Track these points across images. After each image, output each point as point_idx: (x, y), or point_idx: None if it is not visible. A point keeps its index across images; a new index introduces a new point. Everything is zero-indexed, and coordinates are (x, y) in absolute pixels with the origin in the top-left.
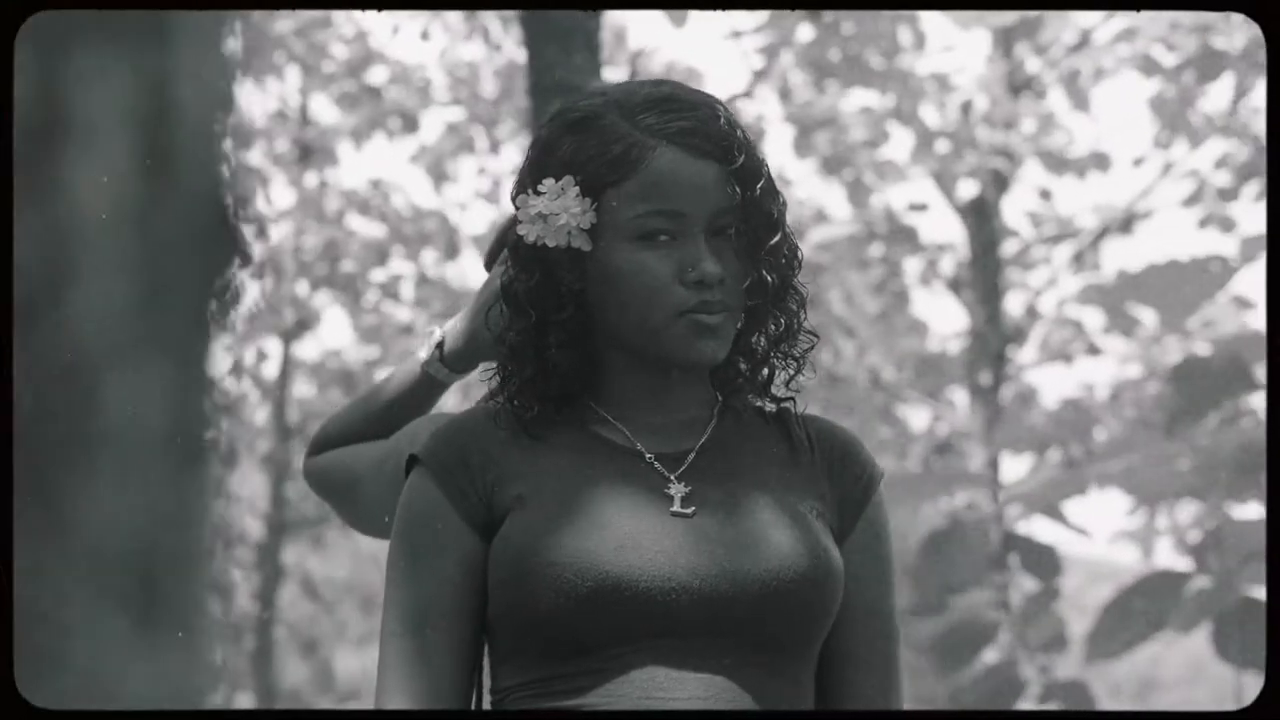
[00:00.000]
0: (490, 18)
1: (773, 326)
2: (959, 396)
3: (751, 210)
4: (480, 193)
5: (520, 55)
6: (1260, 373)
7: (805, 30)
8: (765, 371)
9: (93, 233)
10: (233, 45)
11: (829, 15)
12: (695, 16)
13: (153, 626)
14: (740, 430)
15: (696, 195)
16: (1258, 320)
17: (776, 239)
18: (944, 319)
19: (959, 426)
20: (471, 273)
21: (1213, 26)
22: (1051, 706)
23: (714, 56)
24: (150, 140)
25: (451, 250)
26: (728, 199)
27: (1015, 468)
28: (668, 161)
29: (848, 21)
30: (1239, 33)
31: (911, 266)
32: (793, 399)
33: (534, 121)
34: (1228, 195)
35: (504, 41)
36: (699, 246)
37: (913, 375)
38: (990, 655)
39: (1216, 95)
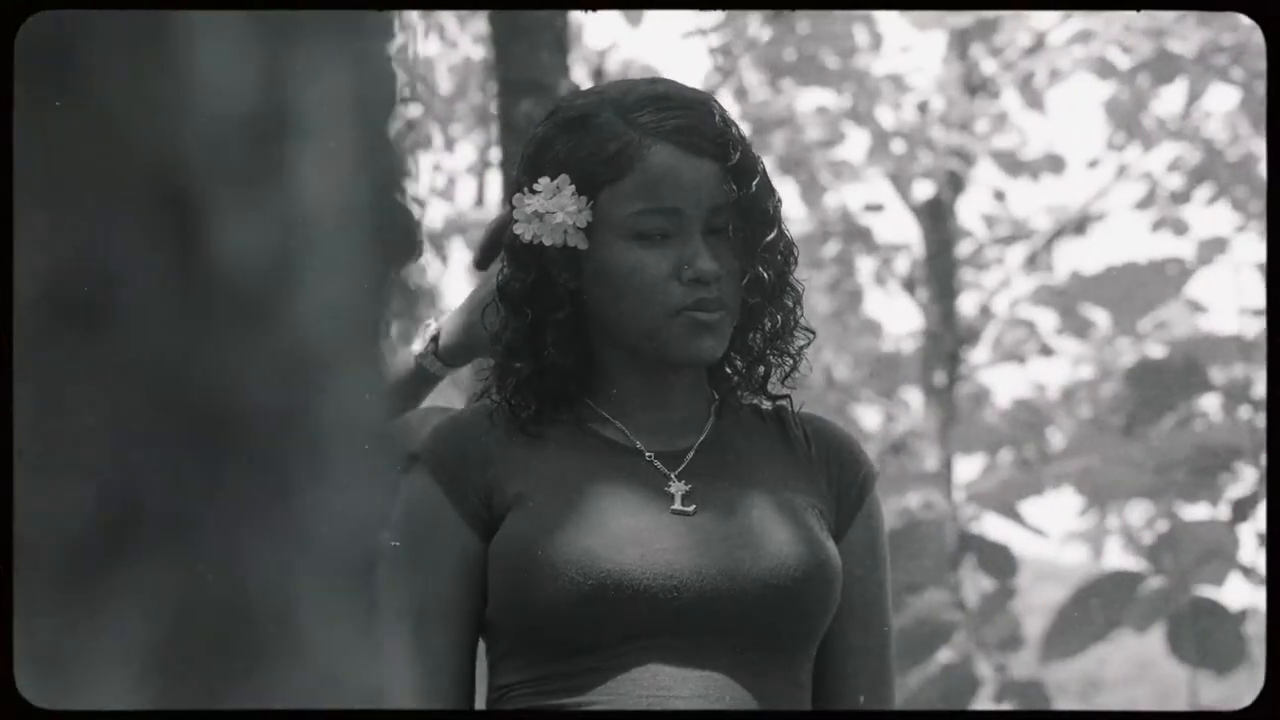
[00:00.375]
0: (447, 15)
1: (769, 323)
2: (913, 396)
3: (748, 207)
4: (436, 189)
5: (475, 52)
6: (1215, 374)
7: (761, 29)
8: (761, 369)
9: (317, 229)
10: (401, 40)
11: (785, 14)
12: (651, 15)
13: (375, 623)
14: (738, 428)
15: (693, 193)
16: (1210, 323)
17: (773, 235)
18: (898, 319)
19: (913, 426)
20: (428, 269)
21: (1168, 30)
22: (1007, 706)
23: (671, 55)
24: (367, 136)
25: None
26: (724, 196)
27: (968, 467)
28: (664, 159)
29: (803, 21)
30: (1194, 36)
31: (865, 266)
32: (789, 397)
33: (502, 119)
34: (1179, 198)
35: (460, 39)
36: (695, 244)
37: (867, 375)
38: (944, 654)
39: (1169, 98)
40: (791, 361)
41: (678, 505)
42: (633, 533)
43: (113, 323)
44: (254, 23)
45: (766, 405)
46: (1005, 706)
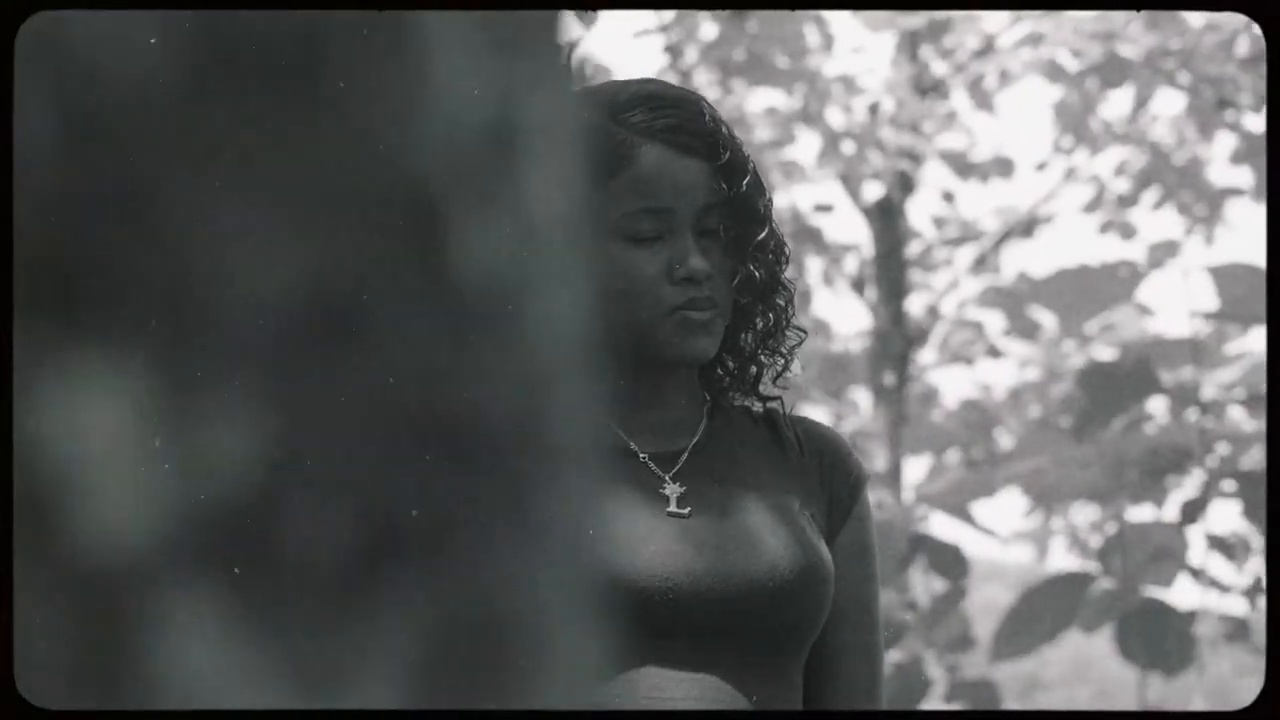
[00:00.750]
0: None
1: (760, 323)
2: (862, 397)
3: (739, 206)
4: None
5: None
6: (1166, 377)
7: (711, 29)
8: (753, 369)
9: (546, 242)
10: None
11: (737, 14)
12: (604, 15)
13: (609, 635)
14: (730, 429)
15: (684, 193)
16: (1158, 325)
17: (764, 234)
18: (847, 319)
19: (862, 426)
20: None
21: (1118, 33)
22: (958, 706)
23: (624, 54)
24: (581, 145)
25: None
26: (715, 195)
27: (917, 468)
28: (654, 159)
29: (753, 21)
30: (1142, 40)
31: (814, 266)
32: (780, 398)
33: None
34: (1127, 201)
35: None
36: (687, 243)
37: (816, 375)
38: (894, 654)
39: (1116, 102)
40: (783, 361)
41: (673, 507)
42: (630, 534)
43: (366, 337)
44: (484, 28)
45: (757, 407)
46: (955, 707)
